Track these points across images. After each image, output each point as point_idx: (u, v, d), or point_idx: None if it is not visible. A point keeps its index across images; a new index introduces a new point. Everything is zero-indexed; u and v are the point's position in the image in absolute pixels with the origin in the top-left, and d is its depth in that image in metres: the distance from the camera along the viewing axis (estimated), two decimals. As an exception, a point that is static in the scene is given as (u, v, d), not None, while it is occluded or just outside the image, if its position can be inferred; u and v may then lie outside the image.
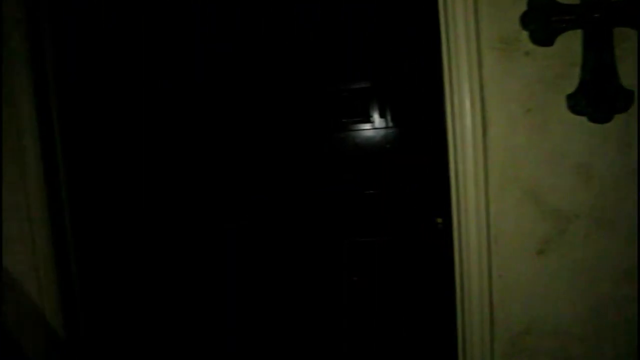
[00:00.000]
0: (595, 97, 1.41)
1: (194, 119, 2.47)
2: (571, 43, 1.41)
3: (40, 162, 1.69)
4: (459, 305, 1.58)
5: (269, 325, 2.46)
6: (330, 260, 2.48)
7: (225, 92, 2.44)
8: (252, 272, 2.46)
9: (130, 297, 2.23)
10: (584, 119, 1.42)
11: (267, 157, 2.48)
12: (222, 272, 2.44)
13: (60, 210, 1.78)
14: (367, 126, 2.37)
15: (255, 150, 2.48)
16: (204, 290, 2.43)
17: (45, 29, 1.74)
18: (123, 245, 2.27)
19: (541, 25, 1.41)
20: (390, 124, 2.36)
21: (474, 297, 1.52)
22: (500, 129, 1.48)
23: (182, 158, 2.46)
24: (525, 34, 1.44)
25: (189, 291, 2.42)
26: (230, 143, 2.48)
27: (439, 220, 2.04)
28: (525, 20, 1.42)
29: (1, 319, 1.66)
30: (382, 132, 2.37)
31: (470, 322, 1.53)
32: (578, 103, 1.42)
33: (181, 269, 2.40)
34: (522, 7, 1.42)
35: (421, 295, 2.36)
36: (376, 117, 2.36)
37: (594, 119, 1.42)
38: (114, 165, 2.25)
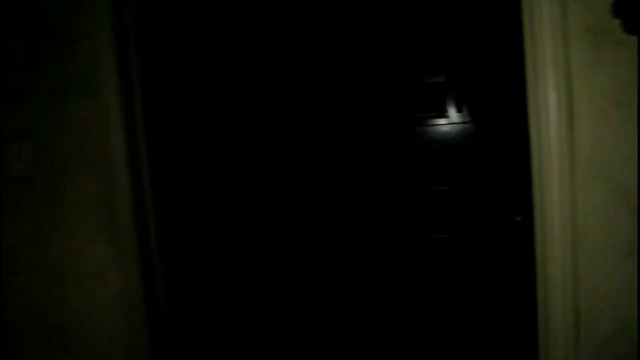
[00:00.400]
0: (696, 89, 1.31)
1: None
2: (669, 31, 1.33)
3: (128, 163, 1.75)
4: (541, 308, 1.52)
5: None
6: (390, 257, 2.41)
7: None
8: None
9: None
10: (681, 113, 1.34)
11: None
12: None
13: (143, 207, 1.86)
14: (443, 121, 2.32)
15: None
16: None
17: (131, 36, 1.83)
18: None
19: (634, 13, 1.33)
20: (467, 119, 2.29)
21: (558, 299, 1.45)
22: (588, 124, 1.42)
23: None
24: (616, 23, 1.37)
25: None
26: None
27: (519, 218, 1.97)
28: (617, 8, 1.35)
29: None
30: (458, 127, 2.31)
31: (554, 326, 1.47)
32: (676, 96, 1.33)
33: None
34: (614, -6, 1.35)
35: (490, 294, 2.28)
36: (452, 111, 2.30)
37: (693, 112, 1.32)
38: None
